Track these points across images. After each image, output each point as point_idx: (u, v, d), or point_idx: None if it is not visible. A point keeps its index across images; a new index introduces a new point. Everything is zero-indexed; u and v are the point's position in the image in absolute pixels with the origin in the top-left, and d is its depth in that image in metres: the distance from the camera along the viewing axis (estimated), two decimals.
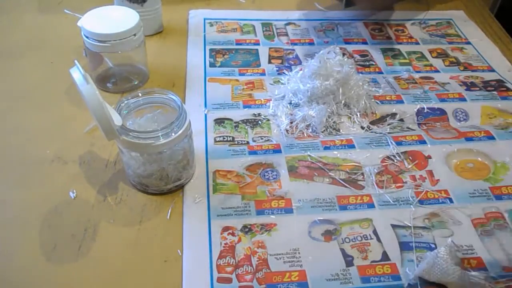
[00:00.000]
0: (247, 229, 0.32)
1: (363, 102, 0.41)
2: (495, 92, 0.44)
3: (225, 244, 0.31)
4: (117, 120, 0.30)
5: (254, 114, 0.41)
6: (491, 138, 0.39)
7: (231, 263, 0.30)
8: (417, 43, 0.51)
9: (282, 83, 0.45)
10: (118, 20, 0.42)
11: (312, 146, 0.38)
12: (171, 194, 0.35)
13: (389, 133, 0.40)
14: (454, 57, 0.50)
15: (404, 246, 0.31)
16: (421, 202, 0.34)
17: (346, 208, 0.33)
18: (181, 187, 0.35)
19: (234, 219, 0.33)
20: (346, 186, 0.35)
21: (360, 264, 0.30)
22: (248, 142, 0.39)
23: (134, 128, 0.31)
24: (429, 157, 0.38)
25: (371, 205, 0.34)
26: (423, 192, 0.35)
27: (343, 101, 0.41)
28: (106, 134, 0.29)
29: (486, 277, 0.28)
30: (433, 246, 0.31)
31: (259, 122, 0.40)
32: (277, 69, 0.47)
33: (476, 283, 0.28)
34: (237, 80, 0.45)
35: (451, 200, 0.34)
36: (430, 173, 0.36)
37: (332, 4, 0.57)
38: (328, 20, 0.55)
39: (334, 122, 0.40)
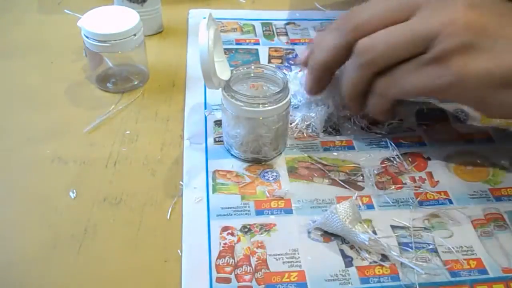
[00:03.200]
0: (247, 229, 0.32)
1: None
2: None
3: (224, 244, 0.31)
4: (225, 75, 0.35)
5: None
6: (491, 139, 0.39)
7: (230, 263, 0.30)
8: None
9: None
10: (118, 20, 0.42)
11: (312, 147, 0.38)
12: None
13: (388, 134, 0.40)
14: None
15: (404, 247, 0.31)
16: (420, 203, 0.34)
17: None
18: (258, 163, 0.37)
19: (234, 219, 0.33)
20: (345, 187, 0.35)
21: (359, 264, 0.30)
22: None
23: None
24: (429, 158, 0.38)
25: (370, 206, 0.34)
26: (423, 193, 0.35)
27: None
28: (205, 80, 0.33)
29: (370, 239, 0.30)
30: (433, 246, 0.31)
31: None
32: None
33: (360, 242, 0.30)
34: None
35: (450, 201, 0.34)
36: (430, 174, 0.36)
37: (332, 3, 0.57)
38: (328, 20, 0.55)
39: (333, 123, 0.40)
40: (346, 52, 0.34)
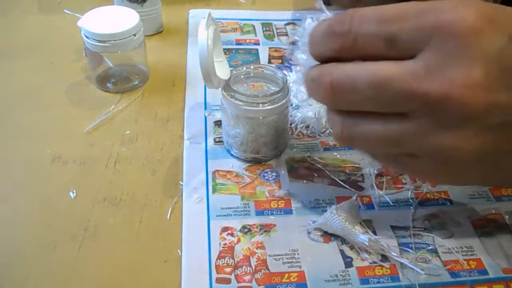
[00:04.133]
0: (247, 230, 0.32)
1: None
2: None
3: (224, 244, 0.31)
4: (225, 74, 0.35)
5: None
6: None
7: (230, 264, 0.30)
8: None
9: None
10: (118, 20, 0.42)
11: (312, 147, 0.38)
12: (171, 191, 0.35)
13: None
14: None
15: (404, 247, 0.31)
16: (420, 203, 0.34)
17: None
18: (258, 162, 0.37)
19: (234, 219, 0.33)
20: (345, 187, 0.35)
21: (359, 265, 0.30)
22: None
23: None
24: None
25: (370, 206, 0.34)
26: (423, 194, 0.35)
27: None
28: (205, 79, 0.33)
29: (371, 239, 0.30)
30: (433, 247, 0.31)
31: None
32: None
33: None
34: None
35: (451, 202, 0.34)
36: None
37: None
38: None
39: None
40: None
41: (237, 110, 0.34)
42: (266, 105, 0.34)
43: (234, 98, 0.34)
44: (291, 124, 0.39)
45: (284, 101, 0.34)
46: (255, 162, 0.37)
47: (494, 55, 0.21)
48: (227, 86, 0.35)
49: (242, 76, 0.37)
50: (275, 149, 0.37)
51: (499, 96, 0.22)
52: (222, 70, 0.35)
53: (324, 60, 0.25)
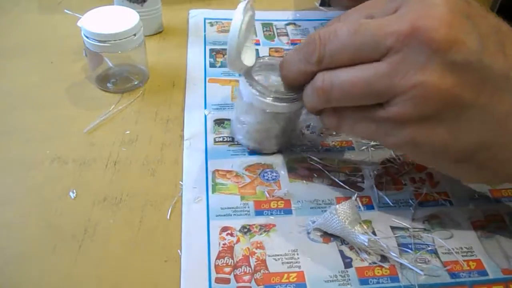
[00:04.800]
0: (246, 230, 0.32)
1: None
2: None
3: (223, 244, 0.31)
4: (249, 61, 0.35)
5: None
6: None
7: (229, 264, 0.30)
8: None
9: None
10: (118, 20, 0.42)
11: (312, 147, 0.38)
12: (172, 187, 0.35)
13: None
14: None
15: (404, 248, 0.31)
16: (420, 204, 0.34)
17: None
18: (257, 153, 0.37)
19: (233, 219, 0.33)
20: (345, 188, 0.35)
21: (358, 265, 0.30)
22: None
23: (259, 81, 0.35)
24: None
25: (370, 207, 0.34)
26: (423, 194, 0.35)
27: None
28: (228, 60, 0.33)
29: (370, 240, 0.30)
30: (432, 247, 0.31)
31: None
32: None
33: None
34: (238, 81, 0.45)
35: (450, 202, 0.34)
36: (430, 175, 0.36)
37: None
38: (329, 20, 0.54)
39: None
40: (310, 77, 0.30)
41: (251, 99, 0.34)
42: (281, 101, 0.34)
43: (252, 86, 0.34)
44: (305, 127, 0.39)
45: (298, 101, 0.34)
46: (255, 153, 0.37)
47: (459, 2, 0.25)
48: (247, 73, 0.35)
49: (265, 67, 0.37)
50: (278, 145, 0.37)
51: (461, 35, 0.24)
52: (248, 57, 0.35)
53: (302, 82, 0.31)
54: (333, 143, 0.39)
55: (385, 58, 0.26)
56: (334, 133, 0.39)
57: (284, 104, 0.34)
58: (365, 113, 0.28)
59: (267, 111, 0.34)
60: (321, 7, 0.53)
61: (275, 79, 0.36)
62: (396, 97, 0.26)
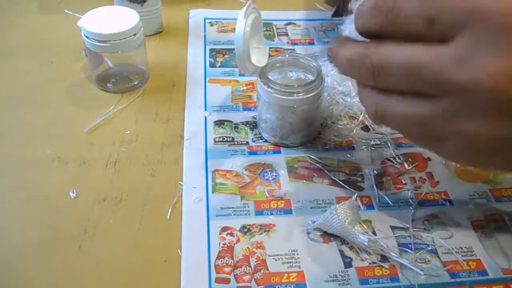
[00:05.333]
0: (246, 230, 0.32)
1: None
2: None
3: (223, 244, 0.31)
4: (262, 61, 0.36)
5: (254, 117, 0.41)
6: None
7: (229, 264, 0.30)
8: None
9: None
10: (118, 20, 0.42)
11: (312, 146, 0.38)
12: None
13: (389, 134, 0.40)
14: None
15: (404, 248, 0.31)
16: (420, 203, 0.34)
17: None
18: (286, 147, 0.38)
19: (233, 219, 0.33)
20: (345, 187, 0.35)
21: (358, 265, 0.30)
22: (248, 143, 0.39)
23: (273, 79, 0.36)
24: (429, 159, 0.38)
25: (370, 207, 0.34)
26: (423, 194, 0.35)
27: None
28: (238, 63, 0.35)
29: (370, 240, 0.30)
30: (432, 247, 0.31)
31: None
32: None
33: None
34: (237, 81, 0.45)
35: (451, 202, 0.34)
36: (430, 175, 0.36)
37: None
38: (329, 20, 0.54)
39: (333, 122, 0.40)
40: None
41: (269, 97, 0.35)
42: (298, 95, 0.35)
43: (267, 85, 0.35)
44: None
45: (316, 91, 0.35)
46: (284, 146, 0.38)
47: None
48: (262, 73, 0.36)
49: (278, 64, 0.38)
50: (304, 137, 0.38)
51: None
52: (260, 57, 0.37)
53: (366, 33, 0.26)
54: (333, 142, 0.39)
55: (441, 102, 0.23)
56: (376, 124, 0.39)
57: (300, 97, 0.35)
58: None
59: (285, 106, 0.35)
60: (331, 15, 0.53)
61: (291, 75, 0.38)
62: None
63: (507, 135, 0.23)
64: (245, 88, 0.44)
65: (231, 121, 0.41)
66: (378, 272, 0.30)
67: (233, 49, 0.35)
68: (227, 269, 0.30)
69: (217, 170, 0.36)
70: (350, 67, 0.27)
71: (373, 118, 0.27)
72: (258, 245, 0.31)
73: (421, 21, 0.23)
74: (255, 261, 0.30)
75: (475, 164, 0.29)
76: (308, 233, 0.32)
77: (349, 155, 0.38)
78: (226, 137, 0.39)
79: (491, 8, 0.21)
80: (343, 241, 0.31)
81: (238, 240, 0.31)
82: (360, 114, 0.40)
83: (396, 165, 0.37)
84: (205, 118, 0.41)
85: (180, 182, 0.35)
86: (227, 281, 0.29)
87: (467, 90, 0.22)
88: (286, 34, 0.52)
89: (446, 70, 0.22)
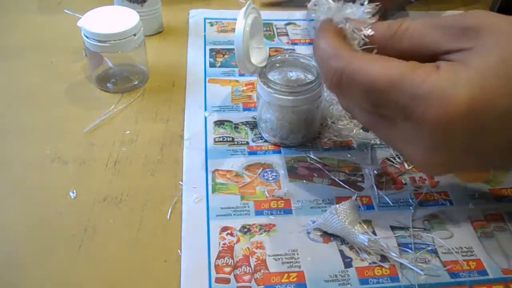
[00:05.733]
0: (246, 230, 0.32)
1: None
2: None
3: (223, 244, 0.31)
4: (262, 61, 0.37)
5: (254, 117, 0.41)
6: None
7: (229, 264, 0.30)
8: None
9: None
10: (118, 20, 0.42)
11: (312, 147, 0.38)
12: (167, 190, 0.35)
13: None
14: None
15: (403, 248, 0.31)
16: (420, 203, 0.34)
17: None
18: (286, 147, 0.38)
19: (233, 219, 0.33)
20: (345, 187, 0.35)
21: (358, 265, 0.30)
22: (248, 143, 0.39)
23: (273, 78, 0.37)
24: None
25: (370, 207, 0.34)
26: (423, 194, 0.35)
27: None
28: (238, 63, 0.35)
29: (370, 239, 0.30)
30: (432, 247, 0.31)
31: None
32: None
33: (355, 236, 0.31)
34: (237, 81, 0.45)
35: (450, 202, 0.34)
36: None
37: None
38: None
39: (333, 123, 0.40)
40: None
41: (269, 97, 0.35)
42: (297, 95, 0.35)
43: (267, 85, 0.35)
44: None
45: (316, 91, 0.35)
46: (284, 146, 0.38)
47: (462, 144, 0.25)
48: (262, 73, 0.36)
49: (278, 64, 0.38)
50: (304, 137, 0.38)
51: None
52: (260, 57, 0.37)
53: None
54: (334, 142, 0.39)
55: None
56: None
57: (300, 97, 0.35)
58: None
59: (285, 106, 0.35)
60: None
61: (291, 75, 0.38)
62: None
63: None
64: (245, 88, 0.44)
65: (231, 121, 0.41)
66: (378, 272, 0.30)
67: (233, 49, 0.35)
68: (227, 269, 0.30)
69: (217, 170, 0.36)
70: (321, 65, 0.28)
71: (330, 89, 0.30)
72: (258, 245, 0.31)
73: (369, 106, 0.27)
74: (255, 261, 0.30)
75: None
76: (308, 233, 0.32)
77: (349, 155, 0.38)
78: (226, 137, 0.39)
79: (427, 121, 0.24)
80: (343, 241, 0.31)
81: (238, 240, 0.31)
82: None
83: (396, 165, 0.37)
84: (205, 118, 0.41)
85: (180, 182, 0.35)
86: (227, 281, 0.29)
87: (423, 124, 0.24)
88: (286, 34, 0.52)
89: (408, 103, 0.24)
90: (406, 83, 0.24)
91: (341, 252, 0.31)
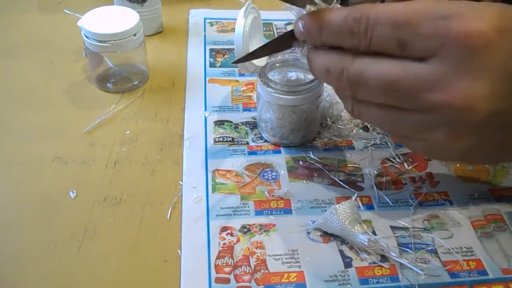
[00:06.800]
0: (246, 230, 0.32)
1: None
2: None
3: (223, 244, 0.31)
4: (261, 61, 0.36)
5: (254, 117, 0.41)
6: None
7: (229, 264, 0.30)
8: None
9: None
10: (118, 20, 0.42)
11: (312, 147, 0.38)
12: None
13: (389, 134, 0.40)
14: None
15: (403, 248, 0.31)
16: (420, 203, 0.34)
17: None
18: (286, 147, 0.38)
19: (233, 219, 0.33)
20: (345, 187, 0.35)
21: (358, 265, 0.30)
22: (247, 143, 0.39)
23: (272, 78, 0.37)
24: (429, 159, 0.38)
25: (370, 207, 0.34)
26: (423, 194, 0.35)
27: None
28: (239, 64, 0.35)
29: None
30: (432, 247, 0.31)
31: None
32: None
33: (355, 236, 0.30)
34: (237, 81, 0.45)
35: (450, 202, 0.34)
36: (430, 175, 0.36)
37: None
38: None
39: (333, 122, 0.40)
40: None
41: (269, 97, 0.36)
42: (297, 94, 0.35)
43: (267, 85, 0.35)
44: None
45: (316, 91, 0.35)
46: (284, 146, 0.38)
47: (499, 66, 0.23)
48: (262, 73, 0.36)
49: (278, 64, 0.38)
50: (304, 137, 0.38)
51: (500, 104, 0.23)
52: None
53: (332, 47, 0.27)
54: (333, 142, 0.39)
55: (414, 113, 0.25)
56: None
57: (300, 96, 0.35)
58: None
59: (285, 105, 0.35)
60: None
61: (291, 75, 0.38)
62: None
63: (470, 146, 0.25)
64: (245, 88, 0.44)
65: (231, 121, 0.41)
66: (378, 272, 0.30)
67: (233, 49, 0.35)
68: (227, 269, 0.30)
69: (217, 170, 0.36)
70: (327, 77, 0.27)
71: (350, 113, 0.29)
72: (258, 245, 0.31)
73: (394, 45, 0.24)
74: (255, 261, 0.30)
75: (437, 158, 0.35)
76: (308, 233, 0.32)
77: (349, 155, 0.38)
78: (226, 137, 0.39)
79: (462, 34, 0.22)
80: (343, 241, 0.31)
81: (238, 240, 0.31)
82: None
83: (396, 165, 0.37)
84: (205, 118, 0.41)
85: (180, 182, 0.35)
86: (227, 281, 0.29)
87: (441, 108, 0.24)
88: None
89: (422, 89, 0.24)
90: (433, 8, 0.23)
91: (341, 252, 0.31)
